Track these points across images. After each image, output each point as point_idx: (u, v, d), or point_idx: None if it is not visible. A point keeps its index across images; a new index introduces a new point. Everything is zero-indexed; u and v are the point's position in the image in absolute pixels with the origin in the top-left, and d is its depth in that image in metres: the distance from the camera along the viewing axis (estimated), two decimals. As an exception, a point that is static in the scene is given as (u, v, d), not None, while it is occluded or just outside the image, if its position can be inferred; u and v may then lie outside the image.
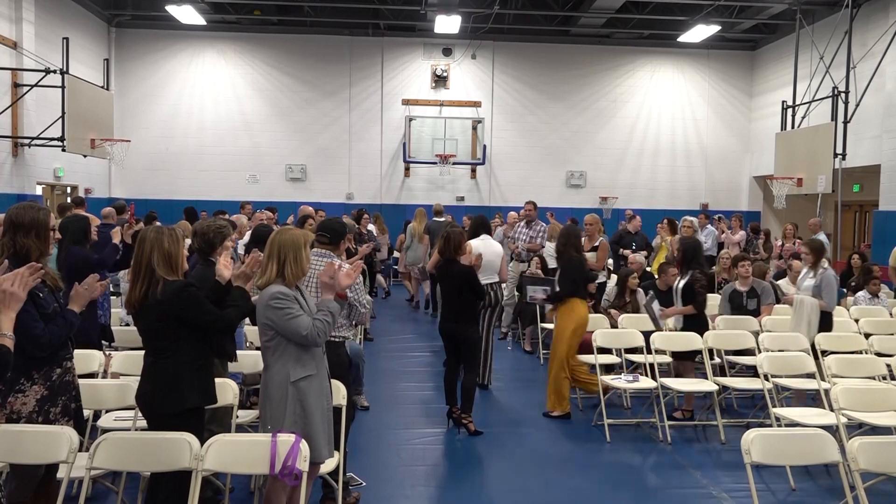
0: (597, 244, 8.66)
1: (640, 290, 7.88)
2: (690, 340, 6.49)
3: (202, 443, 3.39)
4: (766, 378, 5.85)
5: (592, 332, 6.75)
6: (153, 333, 3.62)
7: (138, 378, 3.75)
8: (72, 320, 3.47)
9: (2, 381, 3.17)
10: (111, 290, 6.56)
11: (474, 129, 17.82)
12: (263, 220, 9.76)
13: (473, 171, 18.53)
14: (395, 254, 14.79)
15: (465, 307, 6.20)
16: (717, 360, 6.86)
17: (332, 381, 4.07)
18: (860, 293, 8.61)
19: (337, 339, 4.48)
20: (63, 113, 12.94)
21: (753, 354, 6.52)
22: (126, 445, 3.47)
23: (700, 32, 16.67)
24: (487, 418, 6.49)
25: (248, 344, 5.77)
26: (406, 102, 18.35)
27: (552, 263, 9.61)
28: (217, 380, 3.89)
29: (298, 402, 3.68)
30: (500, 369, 8.02)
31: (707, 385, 6.25)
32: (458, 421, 6.18)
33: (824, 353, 6.22)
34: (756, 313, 7.37)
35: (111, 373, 4.85)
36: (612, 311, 7.64)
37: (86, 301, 3.60)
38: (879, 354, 6.35)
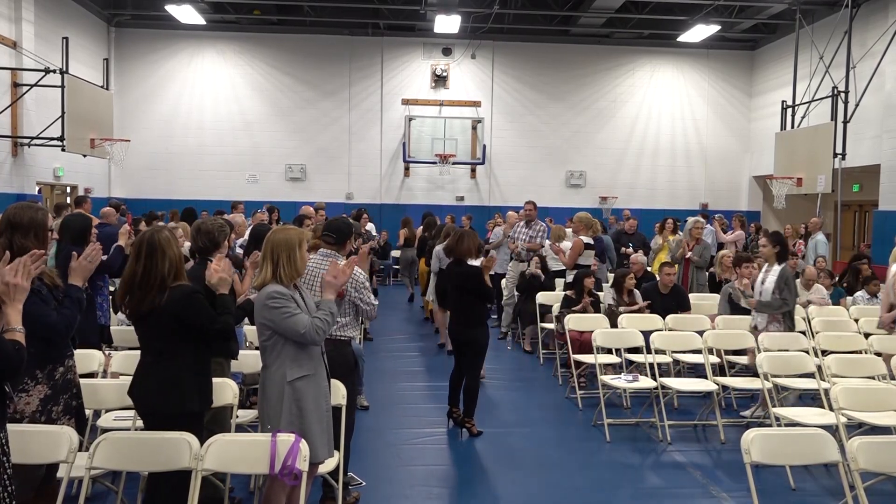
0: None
1: (636, 290, 7.88)
2: None
3: (201, 443, 3.39)
4: (765, 378, 5.85)
5: (592, 331, 6.75)
6: (154, 336, 3.60)
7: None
8: (78, 297, 3.44)
9: (17, 376, 3.05)
10: (110, 290, 6.52)
11: (474, 128, 17.82)
12: (264, 220, 9.76)
13: (473, 170, 18.52)
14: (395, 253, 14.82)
15: (470, 309, 6.12)
16: (717, 359, 6.86)
17: (332, 380, 4.06)
18: (858, 293, 8.61)
19: (344, 339, 4.47)
20: (63, 113, 12.95)
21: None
22: (126, 445, 3.47)
23: (700, 32, 16.68)
24: (487, 418, 6.49)
25: (247, 343, 5.76)
26: (406, 102, 18.35)
27: (553, 264, 9.64)
28: (217, 380, 3.89)
29: (294, 402, 3.68)
30: (499, 369, 8.03)
31: (707, 385, 6.26)
32: (460, 423, 6.18)
33: (824, 352, 6.22)
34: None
35: (111, 373, 4.85)
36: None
37: (87, 273, 3.54)
38: (879, 354, 6.35)
